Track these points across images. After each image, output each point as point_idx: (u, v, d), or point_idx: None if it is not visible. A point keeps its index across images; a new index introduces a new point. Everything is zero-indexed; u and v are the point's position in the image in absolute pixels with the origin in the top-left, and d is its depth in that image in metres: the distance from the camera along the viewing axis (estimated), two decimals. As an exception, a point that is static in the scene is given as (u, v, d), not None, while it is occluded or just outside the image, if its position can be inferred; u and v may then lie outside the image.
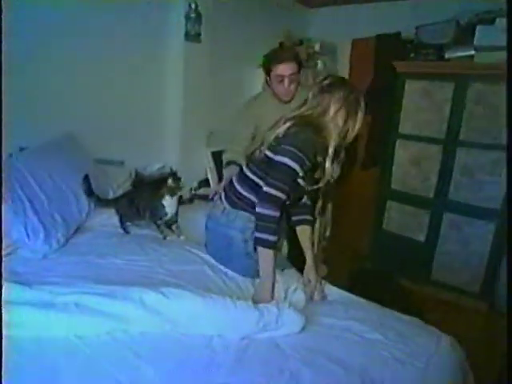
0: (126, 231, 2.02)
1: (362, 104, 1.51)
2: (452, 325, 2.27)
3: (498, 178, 2.51)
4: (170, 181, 1.97)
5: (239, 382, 1.09)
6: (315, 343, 1.27)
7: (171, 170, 2.24)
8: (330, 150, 1.49)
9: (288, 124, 1.49)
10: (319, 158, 1.51)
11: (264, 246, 1.46)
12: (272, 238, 1.45)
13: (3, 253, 1.62)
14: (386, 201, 2.98)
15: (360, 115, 1.50)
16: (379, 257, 3.07)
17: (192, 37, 2.56)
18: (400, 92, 2.78)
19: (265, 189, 1.46)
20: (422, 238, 2.86)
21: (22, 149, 1.96)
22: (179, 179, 2.01)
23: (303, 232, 1.74)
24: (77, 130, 2.17)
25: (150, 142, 2.62)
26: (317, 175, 1.56)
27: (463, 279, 2.74)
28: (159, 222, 2.01)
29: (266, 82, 2.07)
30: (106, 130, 2.30)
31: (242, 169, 1.68)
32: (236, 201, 1.61)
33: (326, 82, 1.53)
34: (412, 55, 2.74)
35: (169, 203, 1.98)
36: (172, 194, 1.97)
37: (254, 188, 1.56)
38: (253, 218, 1.53)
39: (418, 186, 2.84)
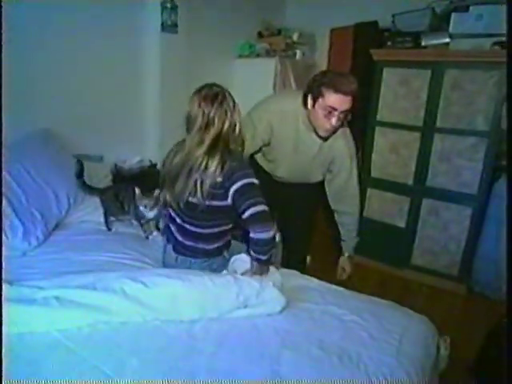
0: (109, 228, 1.99)
1: None
2: (432, 307, 2.35)
3: (475, 163, 2.56)
4: (137, 191, 1.88)
5: (221, 368, 1.11)
6: (294, 326, 1.31)
7: (151, 162, 2.23)
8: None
9: (216, 161, 1.39)
10: None
11: (271, 264, 1.48)
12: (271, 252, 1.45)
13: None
14: (367, 188, 3.01)
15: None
16: (361, 244, 3.11)
17: (168, 28, 2.53)
18: (378, 80, 2.80)
19: (260, 208, 1.36)
20: (402, 224, 2.91)
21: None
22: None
23: None
24: (54, 126, 2.14)
25: (128, 136, 2.60)
26: None
27: (442, 263, 2.80)
28: (142, 220, 1.97)
29: (305, 101, 1.70)
30: (83, 124, 2.27)
31: (174, 220, 1.58)
32: (183, 251, 1.57)
33: (217, 95, 1.41)
34: (389, 43, 2.76)
35: (146, 207, 1.90)
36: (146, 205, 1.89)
37: (200, 237, 1.53)
38: (205, 259, 1.54)
39: (397, 173, 2.87)
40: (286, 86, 3.03)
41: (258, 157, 2.03)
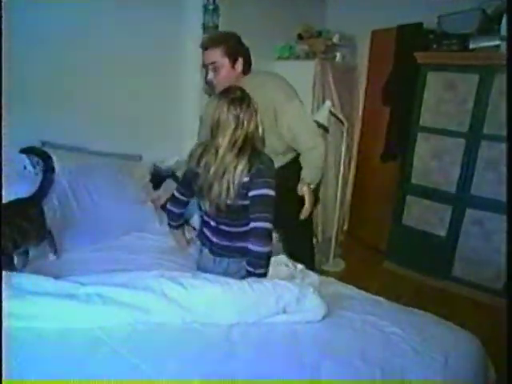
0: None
1: None
2: (474, 322, 2.24)
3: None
4: None
5: (259, 375, 1.09)
6: (334, 335, 1.27)
7: (187, 162, 2.23)
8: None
9: (244, 161, 1.44)
10: None
11: (265, 277, 1.47)
12: (268, 268, 1.47)
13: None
14: (406, 195, 2.93)
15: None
16: (398, 252, 3.03)
17: (210, 29, 2.54)
18: (422, 84, 2.72)
19: (261, 224, 1.44)
20: (442, 233, 2.81)
21: (44, 143, 1.98)
22: None
23: None
24: (94, 125, 2.18)
25: (167, 136, 2.62)
26: None
27: (486, 276, 2.68)
28: None
29: None
30: (122, 124, 2.32)
31: (208, 224, 1.62)
32: (220, 252, 1.59)
33: (244, 98, 1.48)
34: (434, 46, 2.67)
35: None
36: None
37: (236, 236, 1.56)
38: (243, 258, 1.52)
39: (439, 180, 2.78)
40: (325, 89, 2.99)
41: None
